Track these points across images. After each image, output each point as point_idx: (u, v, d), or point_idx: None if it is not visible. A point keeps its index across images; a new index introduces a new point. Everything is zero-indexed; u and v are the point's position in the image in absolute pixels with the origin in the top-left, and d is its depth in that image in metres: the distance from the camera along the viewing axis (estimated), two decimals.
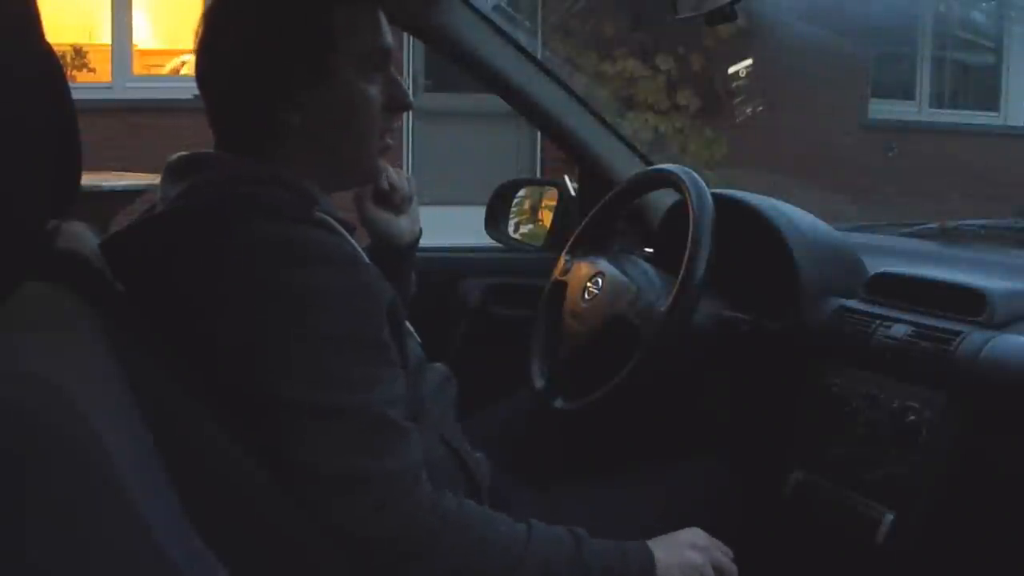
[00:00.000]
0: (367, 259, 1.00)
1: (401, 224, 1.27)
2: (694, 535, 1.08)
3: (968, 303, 1.19)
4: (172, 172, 1.02)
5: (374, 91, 1.04)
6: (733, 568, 1.08)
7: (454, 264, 1.95)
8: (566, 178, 1.87)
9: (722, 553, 1.08)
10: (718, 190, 1.39)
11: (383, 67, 1.05)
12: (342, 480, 0.89)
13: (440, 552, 0.92)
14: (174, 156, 1.03)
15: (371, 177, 1.14)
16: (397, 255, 1.27)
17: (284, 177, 1.00)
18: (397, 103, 1.07)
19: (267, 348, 0.89)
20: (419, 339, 1.19)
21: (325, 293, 0.91)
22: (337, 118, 1.03)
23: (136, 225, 1.00)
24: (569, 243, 1.55)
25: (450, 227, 2.39)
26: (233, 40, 1.01)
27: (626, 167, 1.73)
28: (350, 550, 0.89)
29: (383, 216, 1.26)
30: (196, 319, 0.91)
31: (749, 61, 7.19)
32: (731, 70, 7.21)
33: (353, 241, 1.00)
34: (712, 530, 1.10)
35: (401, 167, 1.30)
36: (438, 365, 1.24)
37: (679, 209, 1.46)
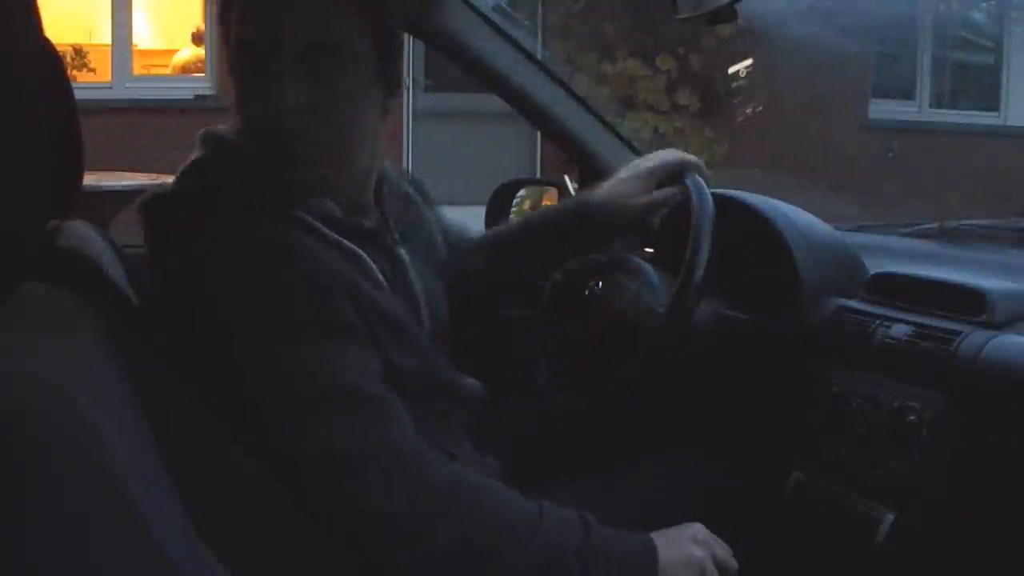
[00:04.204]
0: (350, 245, 1.02)
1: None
2: (695, 530, 1.08)
3: (968, 303, 1.19)
4: (196, 143, 1.05)
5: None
6: (734, 563, 1.08)
7: None
8: (566, 178, 1.87)
9: (723, 549, 1.09)
10: (718, 190, 1.39)
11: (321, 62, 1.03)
12: (344, 461, 0.90)
13: (450, 523, 0.93)
14: (204, 127, 1.07)
15: (324, 187, 1.09)
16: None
17: (272, 168, 1.01)
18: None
19: (234, 343, 0.91)
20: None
21: (281, 287, 0.93)
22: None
23: (145, 201, 1.02)
24: None
25: None
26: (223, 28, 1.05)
27: None
28: (361, 530, 0.90)
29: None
30: (179, 315, 0.93)
31: (749, 61, 7.20)
32: (731, 70, 7.21)
33: (337, 237, 1.02)
34: (712, 529, 1.10)
35: (401, 167, 1.31)
36: (472, 381, 1.22)
37: (679, 209, 1.46)
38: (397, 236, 1.15)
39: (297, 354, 0.92)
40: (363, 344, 0.97)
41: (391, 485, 0.91)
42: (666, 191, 1.32)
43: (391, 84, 1.08)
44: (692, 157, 1.36)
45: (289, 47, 0.98)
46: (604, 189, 1.35)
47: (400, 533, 0.91)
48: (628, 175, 1.34)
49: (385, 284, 1.05)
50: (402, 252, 1.14)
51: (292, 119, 1.00)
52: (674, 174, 1.33)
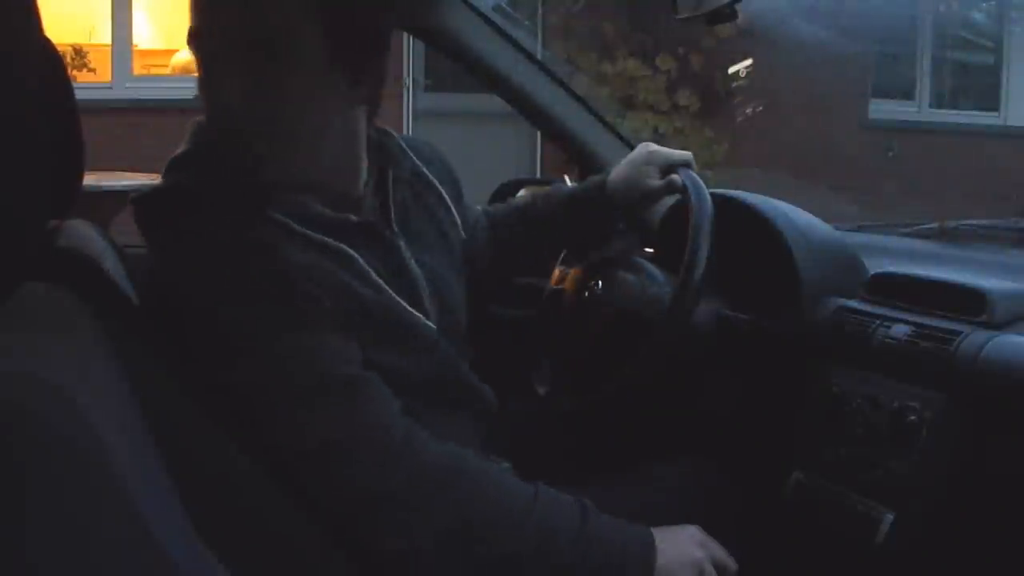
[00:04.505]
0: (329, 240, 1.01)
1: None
2: (694, 531, 1.08)
3: (968, 303, 1.19)
4: (186, 134, 1.05)
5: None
6: (733, 564, 1.08)
7: None
8: (566, 178, 1.87)
9: (720, 551, 1.09)
10: (718, 190, 1.39)
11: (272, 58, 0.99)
12: (338, 447, 0.91)
13: (445, 503, 0.94)
14: (194, 119, 1.06)
15: (290, 184, 1.04)
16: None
17: (238, 168, 1.01)
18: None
19: (216, 342, 0.92)
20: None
21: (257, 286, 0.93)
22: None
23: (135, 199, 1.03)
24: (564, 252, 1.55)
25: None
26: None
27: None
28: (360, 515, 0.91)
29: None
30: (171, 311, 0.93)
31: (749, 61, 7.19)
32: (731, 70, 7.20)
33: (318, 236, 1.01)
34: (712, 530, 1.10)
35: (429, 144, 1.29)
36: (487, 387, 1.21)
37: (679, 209, 1.46)
38: (396, 228, 1.12)
39: (276, 349, 0.92)
40: (342, 333, 0.97)
41: (386, 466, 0.92)
42: (675, 178, 1.33)
43: (361, 74, 1.03)
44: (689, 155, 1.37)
45: (229, 42, 0.97)
46: (620, 169, 1.37)
47: (397, 514, 0.92)
48: (642, 161, 1.36)
49: (377, 280, 1.04)
50: (401, 243, 1.12)
51: (241, 117, 0.98)
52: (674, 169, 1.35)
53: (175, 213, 0.98)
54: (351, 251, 1.02)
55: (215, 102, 1.00)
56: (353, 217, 1.06)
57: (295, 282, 0.95)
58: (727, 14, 1.42)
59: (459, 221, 1.25)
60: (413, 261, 1.12)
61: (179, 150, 1.04)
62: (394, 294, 1.05)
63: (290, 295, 0.94)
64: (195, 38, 0.99)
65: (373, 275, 1.03)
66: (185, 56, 6.90)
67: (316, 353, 0.94)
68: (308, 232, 1.00)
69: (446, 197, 1.24)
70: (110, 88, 6.48)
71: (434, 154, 1.26)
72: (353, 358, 0.97)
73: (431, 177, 1.22)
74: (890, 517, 1.14)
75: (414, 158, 1.20)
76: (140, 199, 1.02)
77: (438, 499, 0.93)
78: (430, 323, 1.10)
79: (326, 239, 1.01)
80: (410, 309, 1.06)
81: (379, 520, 0.92)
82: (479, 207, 1.44)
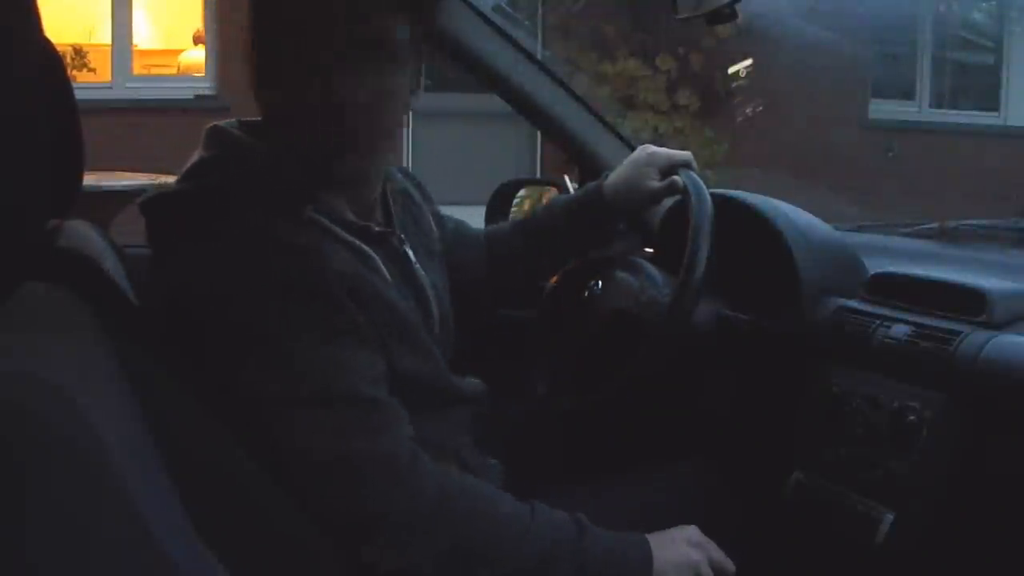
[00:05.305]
0: (363, 247, 1.02)
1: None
2: (691, 532, 1.08)
3: (968, 303, 1.19)
4: (201, 141, 1.04)
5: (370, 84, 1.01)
6: (731, 565, 1.08)
7: None
8: (566, 178, 1.87)
9: (717, 552, 1.09)
10: (718, 190, 1.39)
11: (381, 58, 1.02)
12: (344, 463, 0.91)
13: (444, 526, 0.94)
14: (209, 124, 1.06)
15: (359, 178, 1.09)
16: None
17: (279, 166, 1.01)
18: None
19: (243, 343, 0.91)
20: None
21: (293, 289, 0.92)
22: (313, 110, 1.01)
23: (147, 201, 1.02)
24: None
25: None
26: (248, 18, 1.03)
27: None
28: (358, 533, 0.91)
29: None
30: (184, 315, 0.93)
31: (749, 61, 7.20)
32: (731, 70, 7.21)
33: (350, 237, 1.01)
34: (712, 530, 1.10)
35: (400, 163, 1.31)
36: (473, 380, 1.22)
37: (679, 209, 1.46)
38: (402, 235, 1.15)
39: (305, 356, 0.92)
40: (371, 348, 0.97)
41: (391, 488, 0.92)
42: (677, 179, 1.33)
43: (418, 82, 1.10)
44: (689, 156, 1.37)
45: (352, 42, 0.98)
46: (619, 172, 1.37)
47: (397, 534, 0.92)
48: (643, 162, 1.36)
49: (394, 285, 1.05)
50: (408, 250, 1.14)
51: (353, 112, 1.00)
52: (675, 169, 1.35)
53: (199, 216, 0.97)
54: (374, 255, 1.04)
55: (327, 97, 0.99)
56: (374, 226, 1.08)
57: (334, 292, 0.94)
58: (727, 14, 1.42)
59: (437, 233, 1.28)
60: (419, 268, 1.14)
61: (198, 156, 1.02)
62: (408, 300, 1.08)
63: (325, 298, 0.93)
64: (305, 37, 0.99)
65: (390, 279, 1.05)
66: (192, 56, 6.92)
67: (345, 366, 0.93)
68: (340, 232, 1.01)
69: (427, 214, 1.27)
70: (110, 88, 6.48)
71: (408, 174, 1.30)
72: (379, 377, 0.97)
73: (413, 193, 1.26)
74: (890, 517, 1.14)
75: (399, 176, 1.23)
76: (154, 200, 1.01)
77: (437, 521, 0.93)
78: (435, 328, 1.13)
79: (354, 240, 1.02)
80: (418, 317, 1.08)
81: (378, 539, 0.91)
82: (470, 225, 1.45)
